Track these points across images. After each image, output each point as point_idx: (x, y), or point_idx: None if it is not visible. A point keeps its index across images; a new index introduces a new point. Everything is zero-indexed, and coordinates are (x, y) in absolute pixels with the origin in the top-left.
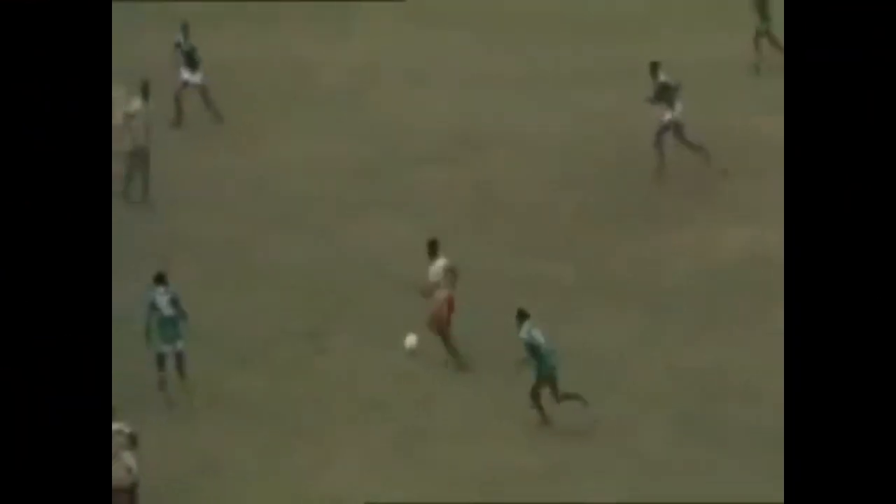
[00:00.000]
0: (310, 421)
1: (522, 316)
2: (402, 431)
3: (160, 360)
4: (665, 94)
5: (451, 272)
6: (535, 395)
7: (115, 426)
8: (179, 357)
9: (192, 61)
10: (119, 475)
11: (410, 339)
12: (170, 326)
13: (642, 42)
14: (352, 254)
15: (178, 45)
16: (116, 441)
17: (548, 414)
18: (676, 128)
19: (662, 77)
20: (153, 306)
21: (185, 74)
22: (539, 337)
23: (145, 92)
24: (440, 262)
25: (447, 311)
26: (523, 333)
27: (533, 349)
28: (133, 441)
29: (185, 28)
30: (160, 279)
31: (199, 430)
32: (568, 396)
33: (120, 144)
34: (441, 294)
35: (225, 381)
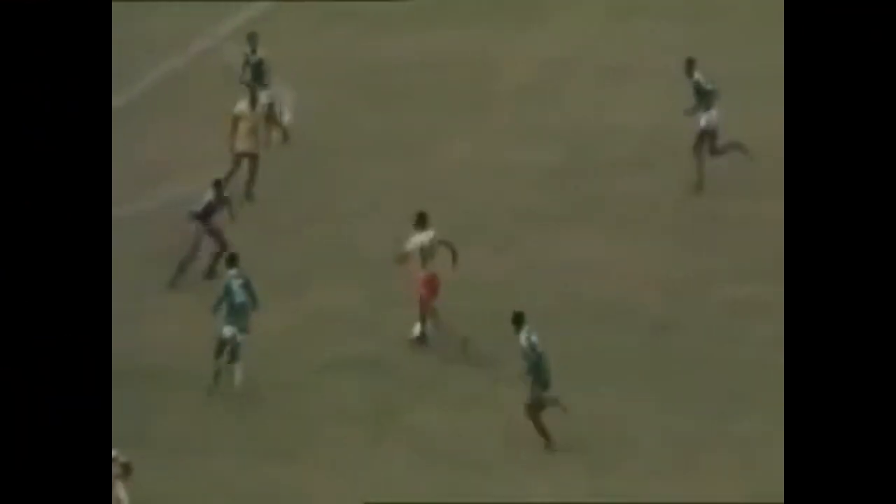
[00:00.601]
0: (491, 456)
1: (519, 320)
2: (595, 467)
3: (220, 346)
4: (701, 97)
5: (434, 247)
6: (534, 414)
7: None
8: (235, 346)
9: (258, 74)
10: None
11: (416, 328)
12: (241, 314)
13: None
14: (536, 271)
15: (246, 60)
16: (113, 471)
17: (552, 436)
18: (710, 136)
19: (697, 76)
20: (227, 290)
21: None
22: (537, 346)
23: (253, 97)
24: (423, 236)
25: (426, 293)
26: (523, 340)
27: (533, 357)
28: (127, 470)
29: (252, 39)
30: (232, 261)
31: (369, 466)
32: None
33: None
34: (419, 273)
35: (398, 414)
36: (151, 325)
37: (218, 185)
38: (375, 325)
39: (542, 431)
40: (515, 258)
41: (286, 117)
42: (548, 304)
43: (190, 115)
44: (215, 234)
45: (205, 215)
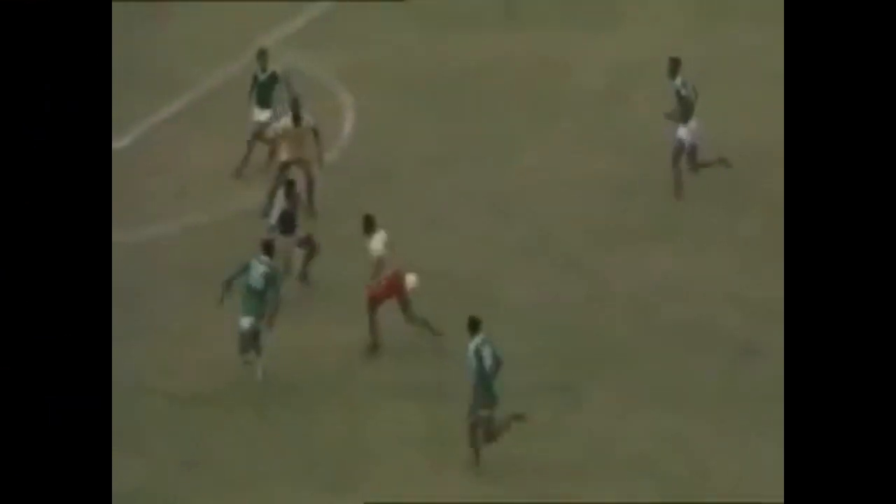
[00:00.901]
0: (562, 487)
1: (475, 326)
2: (666, 492)
3: (242, 340)
4: (681, 103)
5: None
6: (472, 431)
7: None
8: (255, 335)
9: (263, 96)
10: None
11: (410, 279)
12: (254, 299)
13: None
14: (611, 292)
15: (255, 78)
16: None
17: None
18: (689, 150)
19: (679, 81)
20: (246, 268)
21: (256, 113)
22: (488, 358)
23: (296, 113)
24: (381, 236)
25: (383, 290)
26: (471, 350)
27: (479, 369)
28: None
29: (262, 55)
30: (267, 248)
31: (430, 495)
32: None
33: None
34: (387, 271)
35: (460, 440)
36: (206, 344)
37: (290, 184)
38: (438, 347)
39: (474, 444)
40: (587, 276)
41: (347, 124)
42: (622, 326)
43: (240, 125)
44: (305, 242)
45: (286, 225)
